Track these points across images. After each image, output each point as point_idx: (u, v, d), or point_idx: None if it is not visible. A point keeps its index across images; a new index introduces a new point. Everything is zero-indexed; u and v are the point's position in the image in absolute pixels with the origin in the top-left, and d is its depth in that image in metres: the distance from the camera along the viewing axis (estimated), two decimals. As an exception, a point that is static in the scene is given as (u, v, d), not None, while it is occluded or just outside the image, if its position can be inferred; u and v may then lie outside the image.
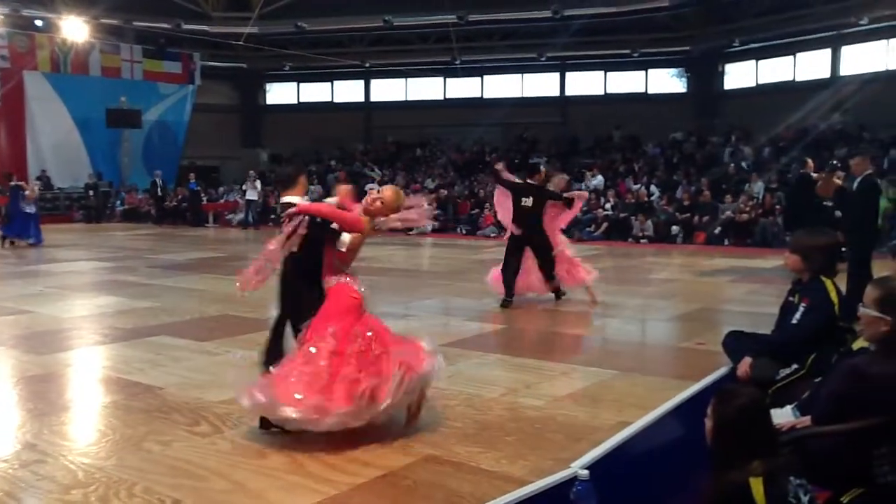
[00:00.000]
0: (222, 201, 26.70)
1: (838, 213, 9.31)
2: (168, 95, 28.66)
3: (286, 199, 4.56)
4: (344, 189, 5.01)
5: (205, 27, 27.18)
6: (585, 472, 2.71)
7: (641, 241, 17.75)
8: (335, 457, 3.91)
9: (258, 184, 23.33)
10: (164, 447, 4.06)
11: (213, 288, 10.13)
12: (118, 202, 26.41)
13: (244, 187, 23.53)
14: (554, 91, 29.03)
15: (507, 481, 3.56)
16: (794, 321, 4.37)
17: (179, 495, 3.48)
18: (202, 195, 25.54)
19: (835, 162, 9.79)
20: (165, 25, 26.25)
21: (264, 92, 32.72)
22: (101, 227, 22.49)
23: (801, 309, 4.35)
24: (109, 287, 10.28)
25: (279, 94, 32.79)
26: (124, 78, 26.96)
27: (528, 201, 8.55)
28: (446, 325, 7.81)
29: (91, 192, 25.68)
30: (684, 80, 27.42)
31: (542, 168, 9.35)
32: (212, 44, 27.67)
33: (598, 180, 21.57)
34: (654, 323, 8.10)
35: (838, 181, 8.74)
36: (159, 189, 25.33)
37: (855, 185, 8.17)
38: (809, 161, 12.14)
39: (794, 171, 16.54)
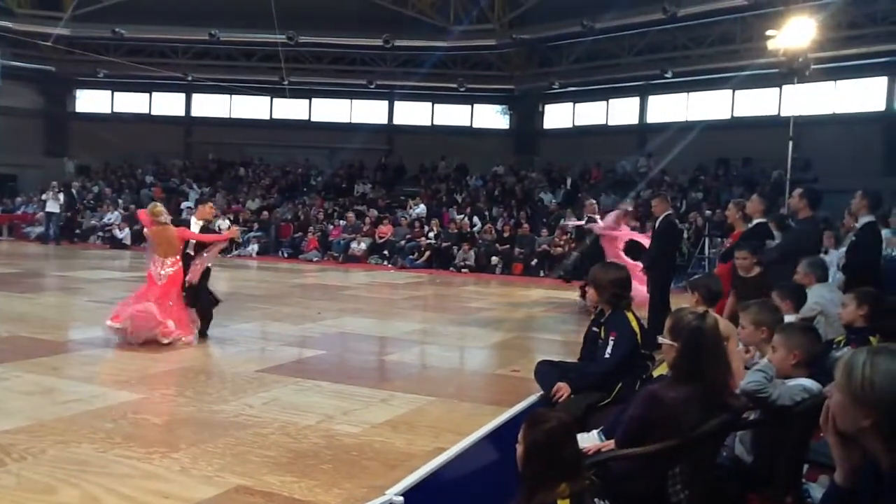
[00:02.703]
0: (19, 213, 24.60)
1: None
2: (-40, 94, 26.08)
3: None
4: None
5: (7, 24, 25.08)
6: (400, 498, 2.69)
7: (462, 270, 18.18)
8: (135, 489, 3.65)
9: (61, 196, 21.72)
10: (-68, 484, 3.62)
11: (3, 306, 9.25)
12: None
13: (45, 197, 21.82)
14: (382, 119, 29.32)
15: (321, 511, 3.47)
16: (607, 355, 4.59)
17: (-51, 538, 3.11)
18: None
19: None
20: (-40, 17, 23.97)
21: (74, 98, 30.57)
22: None
23: (612, 342, 4.59)
24: None
25: (90, 101, 30.75)
26: None
27: None
28: (264, 351, 7.58)
29: None
30: (507, 116, 28.61)
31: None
32: (14, 42, 25.56)
33: (421, 209, 21.96)
34: (471, 350, 8.27)
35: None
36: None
37: (656, 224, 8.84)
38: (591, 203, 12.89)
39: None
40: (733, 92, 22.81)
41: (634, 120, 25.46)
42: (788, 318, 4.33)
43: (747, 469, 3.48)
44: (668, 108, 24.66)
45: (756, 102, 22.74)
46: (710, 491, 3.19)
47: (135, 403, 5.13)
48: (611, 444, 3.44)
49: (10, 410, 4.83)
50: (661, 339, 3.36)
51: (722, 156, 22.20)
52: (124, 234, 21.20)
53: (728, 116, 23.29)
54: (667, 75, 22.90)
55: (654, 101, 25.14)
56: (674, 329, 3.34)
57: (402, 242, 19.74)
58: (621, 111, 25.83)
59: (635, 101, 25.44)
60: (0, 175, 26.56)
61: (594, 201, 13.08)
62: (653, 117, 25.06)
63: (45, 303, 10.35)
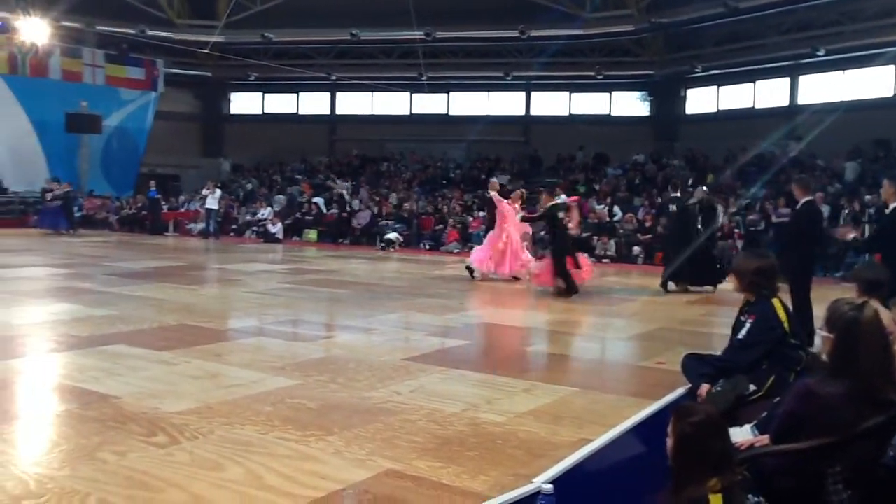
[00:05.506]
0: (183, 210, 26.36)
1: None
2: (129, 102, 28.29)
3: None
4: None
5: (169, 34, 26.94)
6: (549, 486, 2.72)
7: (603, 260, 17.91)
8: (294, 469, 3.86)
9: (218, 192, 23.08)
10: (119, 458, 3.97)
11: (171, 297, 9.98)
12: (76, 208, 25.92)
13: (204, 192, 23.23)
14: (519, 110, 29.30)
15: (468, 496, 3.55)
16: (739, 336, 4.48)
17: (134, 507, 3.41)
18: (163, 203, 25.17)
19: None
20: (129, 31, 25.94)
21: (228, 101, 32.48)
22: (56, 234, 22.04)
23: (748, 325, 4.46)
24: (64, 294, 10.05)
25: (243, 103, 32.58)
26: (86, 82, 26.55)
27: None
28: (408, 340, 7.78)
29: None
30: (647, 103, 27.87)
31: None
32: (175, 51, 27.42)
33: (562, 199, 21.72)
34: (614, 341, 8.17)
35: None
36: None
37: (796, 209, 8.38)
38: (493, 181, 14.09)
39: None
40: (896, 68, 21.24)
41: (784, 102, 24.17)
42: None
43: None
44: (821, 88, 23.24)
45: (922, 78, 21.06)
46: (873, 493, 3.04)
47: (291, 389, 5.40)
48: (764, 439, 3.33)
49: (181, 393, 5.22)
50: (819, 332, 3.23)
51: (881, 136, 20.71)
52: (277, 228, 22.27)
53: (889, 94, 21.68)
54: (819, 53, 21.58)
55: (805, 80, 23.78)
56: (830, 320, 3.21)
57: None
58: (769, 93, 24.61)
59: (785, 81, 24.17)
60: (165, 175, 28.55)
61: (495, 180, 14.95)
62: (804, 98, 23.70)
63: (208, 294, 11.08)
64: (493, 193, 13.22)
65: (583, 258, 12.09)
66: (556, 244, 11.57)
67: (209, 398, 5.11)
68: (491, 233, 13.18)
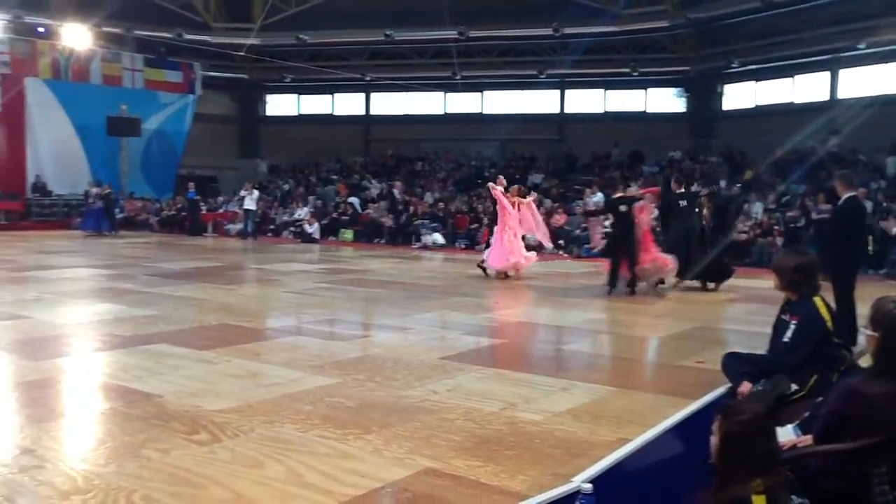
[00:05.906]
0: (221, 211, 26.68)
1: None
2: (168, 105, 28.74)
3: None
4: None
5: (206, 37, 27.31)
6: (589, 485, 2.71)
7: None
8: (333, 468, 3.91)
9: (256, 193, 23.32)
10: (162, 455, 4.05)
11: (211, 297, 10.12)
12: (117, 210, 26.38)
13: (242, 193, 23.47)
14: (553, 108, 29.16)
15: (507, 495, 3.55)
16: (785, 339, 4.41)
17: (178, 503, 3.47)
18: (201, 204, 25.50)
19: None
20: (167, 35, 26.37)
21: (264, 103, 32.80)
22: (98, 235, 22.47)
23: (792, 327, 4.38)
24: (107, 294, 10.26)
25: (279, 105, 32.88)
26: (125, 86, 27.06)
27: None
28: (444, 339, 7.80)
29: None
30: (683, 99, 27.57)
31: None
32: (212, 54, 27.79)
33: (599, 197, 21.58)
34: (653, 340, 8.11)
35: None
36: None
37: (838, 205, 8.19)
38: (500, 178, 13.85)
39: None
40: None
41: (824, 96, 23.71)
42: None
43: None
44: (862, 82, 22.75)
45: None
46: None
47: (330, 387, 5.45)
48: (807, 439, 3.29)
49: (222, 392, 5.30)
50: (863, 330, 3.18)
51: (926, 131, 20.24)
52: (314, 228, 22.43)
53: (935, 88, 21.17)
54: (860, 46, 21.13)
55: (845, 74, 23.30)
56: (874, 318, 3.15)
57: (578, 231, 19.56)
58: (809, 87, 24.15)
59: (825, 75, 23.69)
60: (203, 177, 28.93)
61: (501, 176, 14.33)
62: (844, 92, 23.22)
63: (247, 293, 11.23)
64: (498, 188, 13.15)
65: (649, 251, 11.59)
66: (612, 238, 11.92)
67: (249, 397, 5.18)
68: (496, 228, 13.16)
